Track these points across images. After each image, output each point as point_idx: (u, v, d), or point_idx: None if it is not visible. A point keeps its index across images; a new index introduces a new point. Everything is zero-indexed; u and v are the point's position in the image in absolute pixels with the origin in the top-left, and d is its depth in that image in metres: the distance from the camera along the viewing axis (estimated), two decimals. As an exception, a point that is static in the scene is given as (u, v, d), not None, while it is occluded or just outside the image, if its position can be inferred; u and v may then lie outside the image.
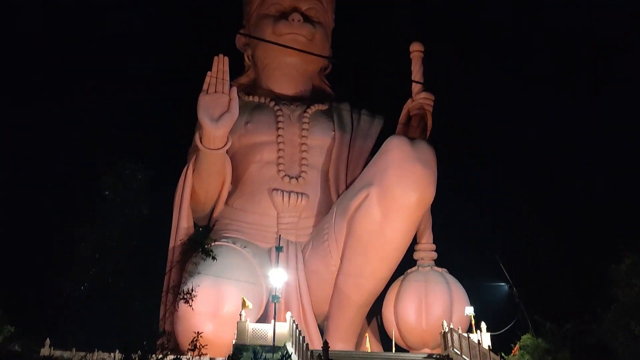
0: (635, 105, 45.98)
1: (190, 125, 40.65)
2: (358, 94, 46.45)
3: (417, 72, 38.55)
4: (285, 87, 44.53)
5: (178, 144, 42.91)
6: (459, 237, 43.42)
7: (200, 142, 37.32)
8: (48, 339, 30.90)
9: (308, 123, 42.52)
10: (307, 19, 43.47)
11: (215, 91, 37.05)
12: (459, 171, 44.84)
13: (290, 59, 43.51)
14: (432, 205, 37.05)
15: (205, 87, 37.10)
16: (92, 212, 26.72)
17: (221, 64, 37.59)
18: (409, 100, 38.98)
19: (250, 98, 43.57)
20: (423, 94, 38.30)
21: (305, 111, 43.02)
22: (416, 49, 39.12)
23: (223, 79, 37.22)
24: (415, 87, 38.77)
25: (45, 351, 29.17)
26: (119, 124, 45.51)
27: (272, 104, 43.09)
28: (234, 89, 37.68)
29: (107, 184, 26.97)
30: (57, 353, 28.95)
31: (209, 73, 37.27)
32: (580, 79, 50.60)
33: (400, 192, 34.84)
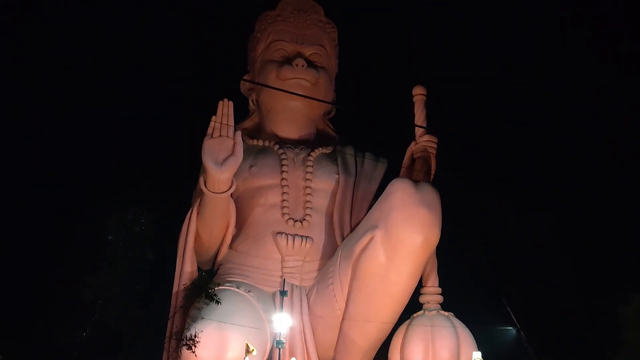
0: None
1: (194, 169, 40.88)
2: (362, 137, 46.81)
3: (419, 116, 38.88)
4: (290, 130, 44.90)
5: (182, 188, 43.07)
6: (464, 280, 43.05)
7: (205, 185, 37.44)
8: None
9: (312, 166, 42.68)
10: (310, 64, 44.15)
11: (220, 135, 37.41)
12: (464, 213, 44.76)
13: (294, 104, 44.01)
14: (437, 247, 36.88)
15: (209, 131, 37.39)
16: (95, 257, 26.70)
17: (226, 108, 37.96)
18: (412, 143, 39.23)
19: (255, 142, 43.91)
20: (426, 137, 38.55)
21: (309, 154, 43.26)
22: (418, 93, 39.55)
23: (228, 123, 37.54)
24: (418, 131, 39.09)
25: (45, 400, 28.69)
26: (122, 167, 45.78)
27: (277, 147, 43.40)
28: (239, 133, 37.98)
29: (110, 228, 27.02)
30: (57, 402, 28.44)
31: (213, 117, 37.62)
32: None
33: (405, 234, 34.69)
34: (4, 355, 28.66)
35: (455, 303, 38.60)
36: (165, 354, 33.34)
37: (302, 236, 40.32)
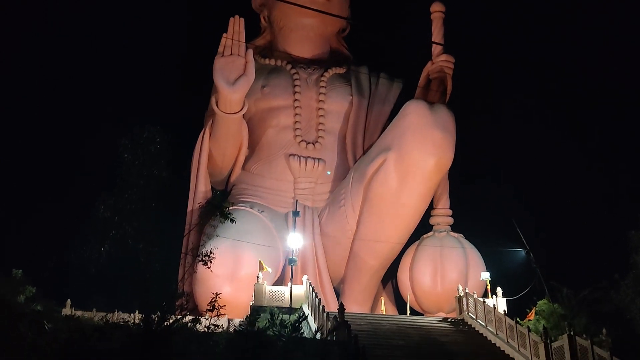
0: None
1: (206, 88, 40.39)
2: (377, 56, 45.72)
3: (437, 34, 37.66)
4: (303, 49, 43.90)
5: (195, 107, 42.76)
6: (475, 202, 43.20)
7: (217, 105, 37.11)
8: (69, 299, 31.58)
9: (325, 87, 42.03)
10: (325, -22, 42.46)
11: (231, 53, 36.63)
12: (477, 136, 44.31)
13: (307, 20, 42.75)
14: (449, 170, 36.80)
15: (221, 49, 36.67)
16: (111, 175, 26.91)
17: (237, 26, 37.04)
18: (429, 63, 38.25)
19: (267, 61, 43.07)
20: (443, 57, 37.55)
21: (322, 75, 42.49)
22: (437, 9, 38.16)
23: (239, 41, 36.71)
24: (436, 50, 37.96)
25: (66, 311, 29.78)
26: (135, 88, 45.39)
27: (289, 67, 42.58)
28: (250, 52, 37.20)
29: (125, 147, 27.03)
30: (78, 313, 29.53)
31: (224, 35, 36.77)
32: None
33: (417, 156, 34.55)
34: (25, 270, 29.56)
35: (465, 224, 38.89)
36: (181, 269, 34.25)
37: (314, 158, 40.36)
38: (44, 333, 21.38)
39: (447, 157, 35.10)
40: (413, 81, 39.64)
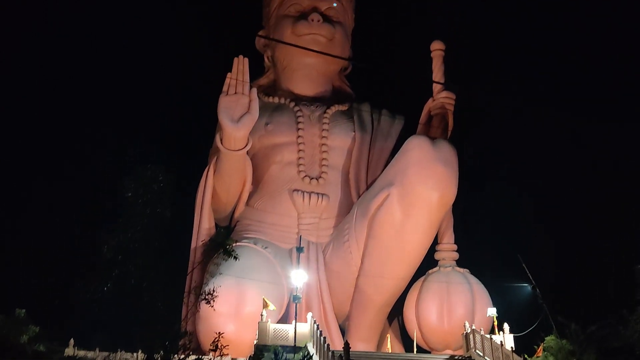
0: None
1: (211, 126, 40.89)
2: (378, 94, 46.35)
3: (437, 72, 38.24)
4: (305, 87, 44.54)
5: (199, 145, 43.19)
6: (480, 237, 43.06)
7: (221, 143, 37.51)
8: (72, 339, 31.40)
9: (328, 124, 42.48)
10: (326, 19, 43.43)
11: (236, 92, 37.23)
12: (481, 171, 44.46)
13: (310, 60, 43.50)
14: (453, 204, 36.81)
15: (225, 88, 37.29)
16: (114, 214, 27.02)
17: (241, 65, 37.73)
18: (430, 100, 38.75)
19: (271, 99, 43.66)
20: (444, 93, 38.03)
21: (325, 112, 42.99)
22: (437, 48, 38.82)
23: (243, 80, 37.35)
24: (436, 86, 38.49)
25: (69, 351, 29.67)
26: (140, 126, 45.94)
27: (292, 104, 43.14)
28: (254, 90, 37.82)
29: (128, 186, 27.21)
30: (81, 353, 29.43)
31: (229, 74, 37.46)
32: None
33: (421, 191, 34.64)
34: (28, 310, 29.48)
35: (470, 260, 38.67)
36: (184, 308, 33.98)
37: (318, 193, 40.50)
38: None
39: (450, 191, 35.19)
40: (414, 117, 40.07)
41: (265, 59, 46.17)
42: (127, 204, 27.08)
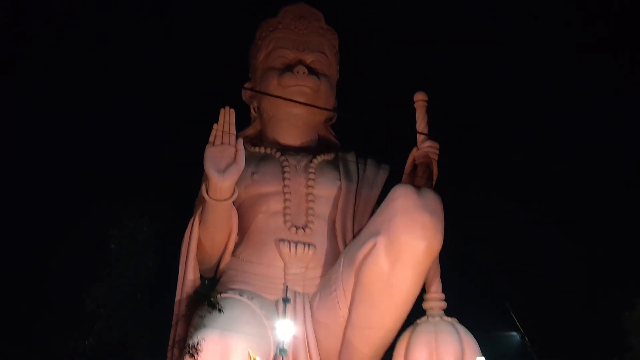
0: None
1: (196, 177, 40.91)
2: (363, 143, 46.80)
3: (421, 122, 38.79)
4: (291, 137, 44.96)
5: (184, 196, 43.06)
6: (468, 286, 42.95)
7: (207, 193, 37.47)
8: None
9: (314, 173, 42.70)
10: (312, 71, 44.30)
11: (222, 143, 37.46)
12: (467, 220, 44.66)
13: (295, 111, 44.11)
14: (440, 253, 36.76)
15: (211, 139, 37.51)
16: (97, 266, 26.68)
17: (227, 116, 38.09)
18: (414, 149, 39.15)
19: (257, 149, 43.96)
20: (428, 143, 38.48)
21: (311, 161, 43.28)
22: (420, 99, 39.49)
23: (229, 131, 37.65)
24: (420, 136, 39.03)
25: (48, 410, 28.58)
26: (123, 176, 45.81)
27: (278, 154, 43.43)
28: (240, 140, 38.08)
29: (112, 237, 26.99)
30: (61, 412, 28.35)
31: (215, 125, 37.76)
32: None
33: (407, 240, 34.60)
34: None
35: (458, 309, 38.43)
36: (168, 363, 33.26)
37: (304, 243, 40.24)
38: None
39: (437, 240, 35.19)
40: (399, 166, 40.42)
41: (252, 110, 46.72)
42: (111, 255, 26.79)
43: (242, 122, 44.97)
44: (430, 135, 38.63)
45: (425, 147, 38.71)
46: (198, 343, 28.62)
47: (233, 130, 37.93)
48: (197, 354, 28.20)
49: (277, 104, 43.91)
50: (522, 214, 47.54)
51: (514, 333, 37.14)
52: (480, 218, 46.80)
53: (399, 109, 44.21)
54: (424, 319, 37.62)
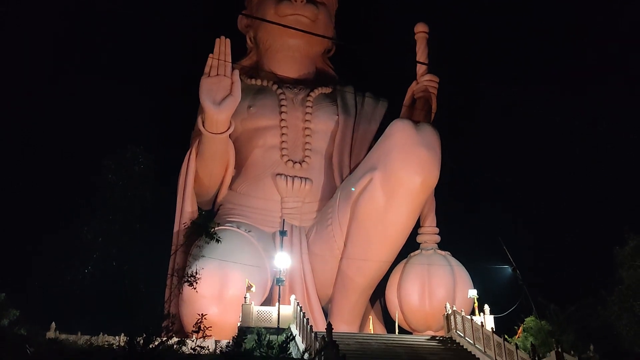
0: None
1: (192, 108, 40.43)
2: (362, 76, 46.06)
3: (421, 54, 38.14)
4: (288, 69, 44.14)
5: (181, 127, 42.72)
6: (462, 219, 43.34)
7: (203, 126, 37.11)
8: (53, 322, 31.13)
9: (312, 107, 42.23)
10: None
11: (218, 74, 36.72)
12: (464, 154, 44.59)
13: (293, 41, 43.12)
14: (435, 188, 36.96)
15: (207, 69, 36.74)
16: (94, 197, 26.61)
17: (223, 46, 37.16)
18: (414, 83, 38.67)
19: (253, 81, 43.24)
20: (427, 76, 37.97)
21: (308, 95, 42.70)
22: (421, 30, 38.71)
23: (225, 62, 36.82)
24: (420, 69, 38.45)
25: (50, 335, 29.36)
26: (121, 108, 45.27)
27: (275, 87, 42.77)
28: (236, 72, 37.35)
29: (109, 168, 26.79)
30: (63, 337, 29.11)
31: (210, 55, 36.89)
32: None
33: (404, 175, 34.68)
34: (8, 293, 29.14)
35: (451, 242, 38.98)
36: (167, 291, 33.88)
37: (301, 177, 40.37)
38: (26, 357, 21.04)
39: (433, 175, 35.26)
40: (398, 100, 39.99)
41: (248, 40, 45.62)
42: (108, 186, 26.70)
43: (239, 53, 44.01)
44: (430, 69, 38.11)
45: (424, 81, 38.33)
46: (197, 272, 29.02)
47: (229, 60, 37.04)
48: (196, 282, 28.62)
49: (274, 34, 42.98)
50: (515, 149, 47.50)
51: (506, 266, 37.74)
52: (474, 154, 46.64)
53: (400, 41, 43.33)
54: (417, 252, 38.27)
